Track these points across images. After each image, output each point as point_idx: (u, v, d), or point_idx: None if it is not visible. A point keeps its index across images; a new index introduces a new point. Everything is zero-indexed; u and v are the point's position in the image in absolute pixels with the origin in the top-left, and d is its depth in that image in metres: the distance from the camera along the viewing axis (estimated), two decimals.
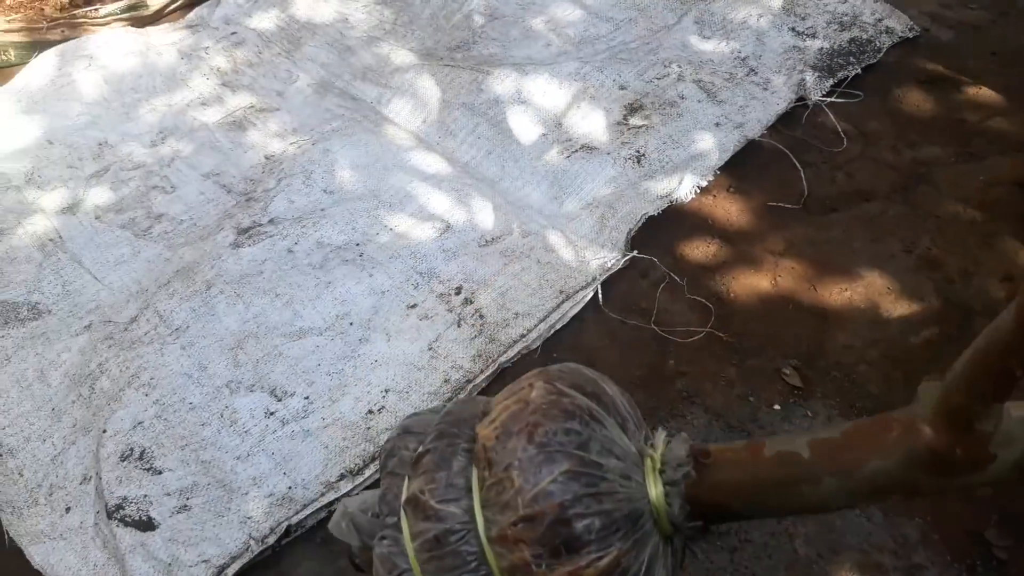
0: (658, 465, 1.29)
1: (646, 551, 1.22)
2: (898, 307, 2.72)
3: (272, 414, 2.41)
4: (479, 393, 2.52)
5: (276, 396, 2.45)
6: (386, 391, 2.48)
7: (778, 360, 2.58)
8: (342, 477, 2.27)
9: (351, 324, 2.64)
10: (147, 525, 2.08)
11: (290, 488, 2.25)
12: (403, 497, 1.31)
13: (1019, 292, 1.01)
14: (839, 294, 2.77)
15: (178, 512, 2.15)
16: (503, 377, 2.56)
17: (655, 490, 1.26)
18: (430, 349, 2.59)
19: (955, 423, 1.12)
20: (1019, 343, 1.02)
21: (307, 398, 2.45)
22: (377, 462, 2.28)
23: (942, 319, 2.68)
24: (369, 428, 2.38)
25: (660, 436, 1.34)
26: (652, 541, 1.24)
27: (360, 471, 2.28)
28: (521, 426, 1.24)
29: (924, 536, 2.18)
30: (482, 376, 2.53)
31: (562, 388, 1.30)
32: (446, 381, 2.51)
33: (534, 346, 2.64)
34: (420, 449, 1.35)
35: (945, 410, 1.12)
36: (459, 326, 2.65)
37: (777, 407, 2.46)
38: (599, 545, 1.17)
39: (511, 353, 2.60)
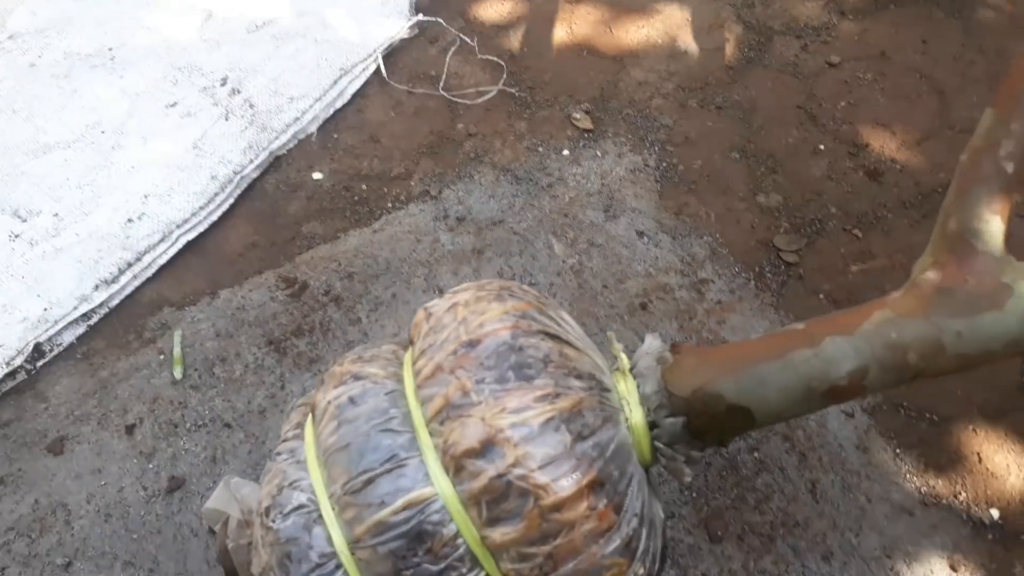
0: (627, 366, 1.09)
1: (617, 431, 0.98)
2: (697, 38, 2.54)
3: (17, 236, 2.16)
4: (250, 186, 2.30)
5: (20, 217, 2.19)
6: (146, 196, 2.24)
7: (570, 107, 2.41)
8: (96, 287, 2.06)
9: (102, 132, 2.36)
10: None
11: (45, 309, 2.03)
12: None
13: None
14: (636, 32, 2.57)
15: None
16: (277, 165, 2.33)
17: (625, 385, 1.04)
18: (195, 148, 2.34)
19: (956, 250, 1.01)
20: (998, 131, 0.96)
21: (56, 215, 2.19)
22: (132, 269, 2.09)
23: (742, 43, 2.52)
24: (128, 237, 2.16)
25: (622, 350, 1.15)
26: (622, 429, 1.00)
27: (115, 279, 2.08)
28: (469, 286, 1.07)
29: (712, 252, 2.10)
30: (252, 166, 2.30)
31: (513, 282, 1.13)
32: (213, 178, 2.28)
33: (311, 129, 2.40)
34: (335, 368, 1.13)
35: (946, 244, 1.02)
36: (227, 119, 2.39)
37: (566, 152, 2.30)
38: (556, 381, 0.93)
39: (284, 139, 2.36)
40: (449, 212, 2.22)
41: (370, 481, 0.92)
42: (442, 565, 0.91)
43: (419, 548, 0.90)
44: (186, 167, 2.30)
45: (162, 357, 1.98)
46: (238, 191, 2.27)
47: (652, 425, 1.03)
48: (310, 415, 1.06)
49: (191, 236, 2.18)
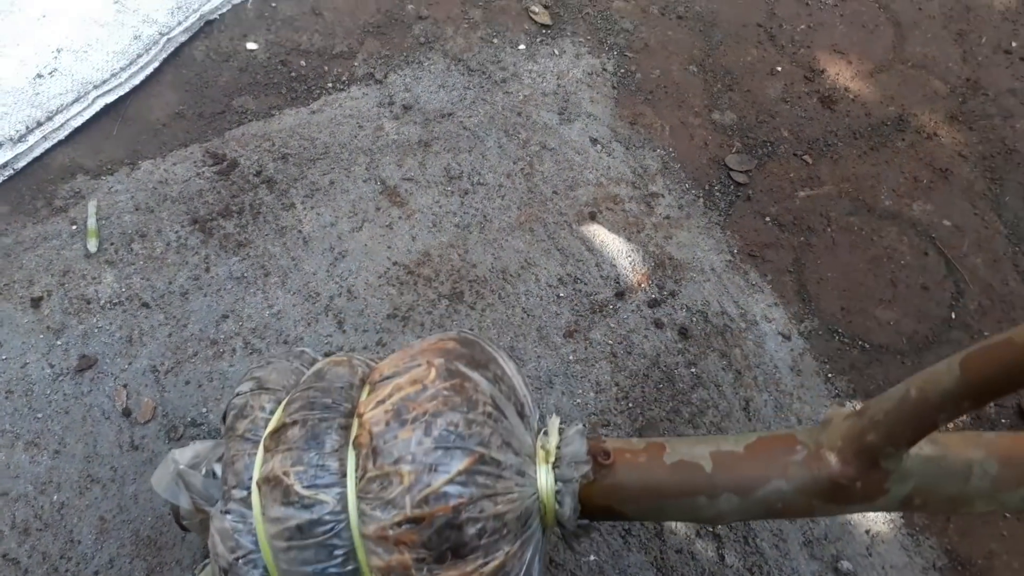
0: (551, 458, 1.16)
1: (530, 550, 1.11)
2: None
3: None
4: (177, 51, 2.09)
5: None
6: (58, 50, 2.01)
7: None
8: (0, 145, 1.84)
9: None
10: None
11: None
12: (257, 472, 1.10)
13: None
14: None
15: None
16: (208, 31, 2.12)
17: (546, 485, 1.14)
18: (116, 2, 2.10)
19: (863, 459, 1.09)
20: (956, 399, 0.97)
21: None
22: (42, 129, 1.89)
23: None
24: (38, 93, 1.94)
25: (554, 424, 1.20)
26: (536, 539, 1.12)
27: (23, 138, 1.87)
28: (417, 414, 1.06)
29: (664, 166, 2.04)
30: (180, 28, 2.09)
31: (464, 370, 1.12)
32: (136, 37, 2.06)
33: None
34: (284, 419, 1.12)
35: (856, 446, 1.09)
36: None
37: (522, 47, 2.17)
38: (487, 550, 1.03)
39: (217, 1, 2.15)
40: (395, 99, 2.08)
41: None
42: None
43: None
44: (106, 23, 2.07)
45: (74, 228, 1.80)
46: (164, 54, 2.07)
47: (560, 523, 1.15)
48: (257, 490, 1.07)
49: (110, 99, 1.98)
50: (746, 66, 2.25)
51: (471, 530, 1.02)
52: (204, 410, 1.60)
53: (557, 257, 1.86)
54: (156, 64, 2.05)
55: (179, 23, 2.09)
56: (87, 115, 1.95)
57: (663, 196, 1.99)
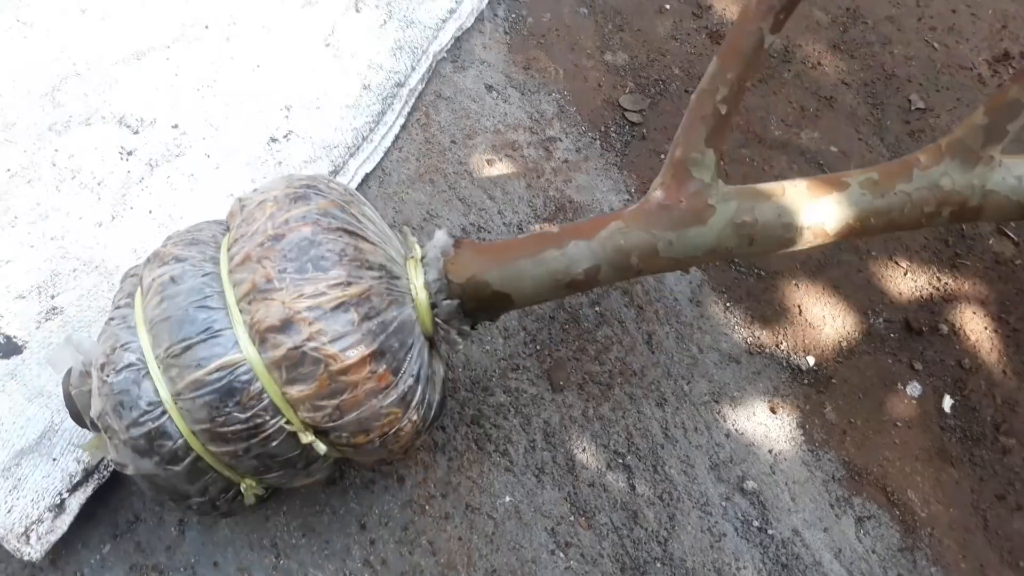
0: (419, 255, 1.20)
1: (401, 311, 1.09)
2: None
3: (130, 153, 1.64)
4: (416, 103, 1.90)
5: (128, 126, 1.67)
6: (288, 108, 1.75)
7: None
8: None
9: (207, 27, 1.84)
10: (11, 349, 1.40)
11: None
12: (140, 288, 1.10)
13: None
14: None
15: (46, 320, 1.44)
16: (439, 74, 1.93)
17: (415, 271, 1.16)
18: (327, 45, 1.86)
19: (678, 175, 1.16)
20: (718, 82, 1.08)
21: (176, 126, 1.68)
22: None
23: None
24: (280, 163, 1.67)
25: (414, 241, 1.23)
26: (407, 313, 1.11)
27: None
28: (279, 182, 1.13)
29: (560, 109, 1.95)
30: (416, 76, 1.85)
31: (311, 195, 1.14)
32: (366, 87, 1.80)
33: (468, 23, 1.98)
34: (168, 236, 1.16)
35: (670, 167, 1.16)
36: (358, 10, 1.93)
37: None
38: (350, 271, 1.03)
39: (444, 39, 1.92)
40: None
41: (188, 348, 1.01)
42: (249, 414, 1.02)
43: (230, 401, 1.01)
44: (324, 69, 1.85)
45: None
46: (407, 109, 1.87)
47: (433, 305, 1.17)
48: (139, 288, 1.09)
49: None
50: (635, 5, 2.16)
51: (330, 247, 1.03)
52: None
53: (459, 207, 1.76)
54: (402, 121, 1.83)
55: (411, 68, 1.85)
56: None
57: (560, 140, 1.90)
